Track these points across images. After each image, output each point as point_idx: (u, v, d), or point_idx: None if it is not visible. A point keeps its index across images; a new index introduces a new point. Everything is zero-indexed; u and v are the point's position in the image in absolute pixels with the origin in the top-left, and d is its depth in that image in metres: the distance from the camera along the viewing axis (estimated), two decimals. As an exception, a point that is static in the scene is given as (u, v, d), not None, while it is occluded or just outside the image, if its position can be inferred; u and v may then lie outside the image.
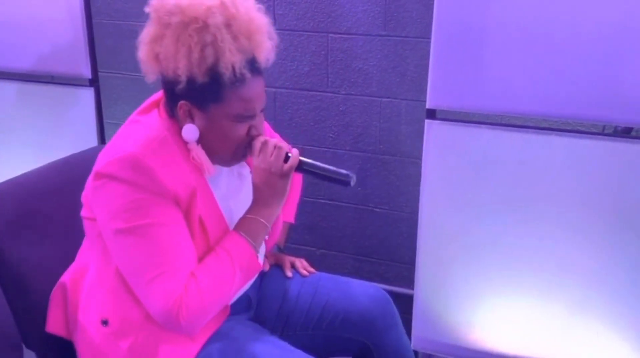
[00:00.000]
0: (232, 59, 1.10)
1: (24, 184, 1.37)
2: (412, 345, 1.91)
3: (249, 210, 1.24)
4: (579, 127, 1.76)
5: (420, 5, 1.94)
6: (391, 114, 2.08)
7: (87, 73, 2.16)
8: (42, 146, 2.26)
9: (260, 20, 1.18)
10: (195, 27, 1.09)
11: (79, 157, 1.56)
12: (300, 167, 1.23)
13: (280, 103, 2.21)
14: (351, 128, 2.15)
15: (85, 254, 1.30)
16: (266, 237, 1.30)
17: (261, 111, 1.22)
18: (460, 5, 1.59)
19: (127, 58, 2.38)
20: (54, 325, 1.30)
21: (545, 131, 1.64)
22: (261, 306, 1.41)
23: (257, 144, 1.20)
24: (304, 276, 1.48)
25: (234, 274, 1.16)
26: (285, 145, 1.23)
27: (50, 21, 2.15)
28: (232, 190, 1.31)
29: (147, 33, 1.16)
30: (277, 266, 1.51)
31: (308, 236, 2.33)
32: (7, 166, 2.19)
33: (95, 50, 2.16)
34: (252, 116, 1.19)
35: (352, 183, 1.21)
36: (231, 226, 1.26)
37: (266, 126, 1.39)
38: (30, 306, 1.30)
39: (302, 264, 1.51)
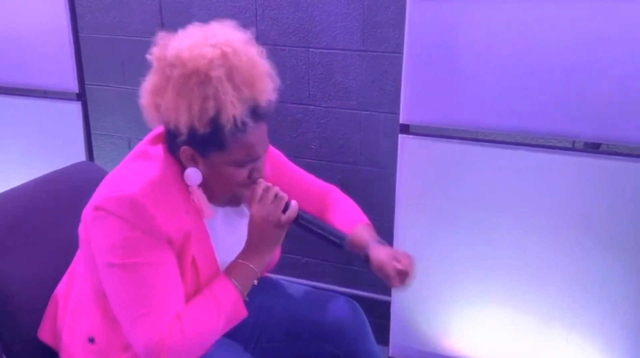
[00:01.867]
0: (233, 111, 1.11)
1: (11, 199, 1.42)
2: (389, 352, 1.97)
3: (241, 255, 1.25)
4: (549, 143, 1.82)
5: (397, 21, 2.00)
6: (370, 127, 2.14)
7: (74, 87, 2.20)
8: (30, 160, 2.31)
9: (263, 67, 1.18)
10: (196, 80, 1.10)
11: (65, 172, 1.60)
12: (297, 220, 1.24)
13: (263, 115, 2.26)
14: (332, 140, 2.20)
15: (76, 270, 1.32)
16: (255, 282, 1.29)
17: (264, 153, 1.23)
18: (431, 22, 1.65)
19: (114, 71, 2.43)
20: (45, 333, 1.33)
21: (516, 146, 1.69)
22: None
23: (259, 190, 1.21)
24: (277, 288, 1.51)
25: (218, 319, 1.17)
26: (285, 196, 1.23)
27: (37, 35, 2.20)
28: (229, 228, 1.33)
29: (149, 82, 1.17)
30: None
31: (292, 245, 2.38)
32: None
33: (83, 64, 2.21)
34: (254, 160, 1.21)
35: (346, 247, 1.22)
36: (224, 266, 1.27)
37: (270, 152, 1.41)
38: (14, 318, 1.34)
39: None
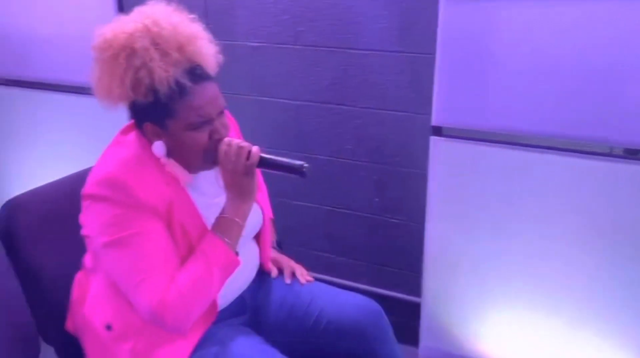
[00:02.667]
0: (164, 74, 1.18)
1: (46, 194, 1.50)
2: (419, 354, 1.96)
3: (222, 210, 1.31)
4: (585, 148, 1.77)
5: (433, 23, 1.98)
6: (406, 128, 2.13)
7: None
8: (76, 154, 2.41)
9: (191, 30, 1.25)
10: (124, 55, 1.19)
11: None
12: (261, 163, 1.30)
13: (302, 115, 2.29)
14: (368, 141, 2.21)
15: (88, 267, 1.41)
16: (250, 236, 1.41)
17: (220, 114, 1.29)
18: (464, 23, 1.64)
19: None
20: (69, 324, 1.42)
21: (549, 150, 1.66)
22: (258, 312, 1.49)
23: (223, 146, 1.27)
24: (302, 284, 1.55)
25: (211, 273, 1.24)
26: (246, 144, 1.28)
27: (85, 38, 2.29)
28: (213, 197, 1.38)
29: (92, 74, 1.26)
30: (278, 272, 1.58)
31: (326, 244, 2.41)
32: (41, 173, 2.34)
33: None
34: (208, 121, 1.25)
35: (307, 172, 1.27)
36: None
37: (233, 125, 1.46)
38: (48, 305, 1.42)
39: (301, 272, 1.58)
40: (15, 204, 1.42)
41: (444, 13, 1.64)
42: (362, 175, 2.26)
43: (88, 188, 1.25)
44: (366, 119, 2.20)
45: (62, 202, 1.51)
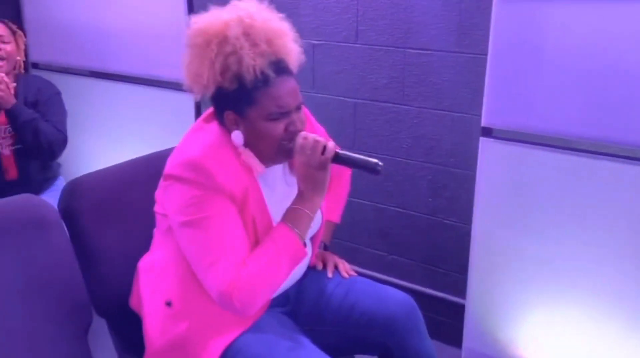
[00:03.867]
0: (252, 63, 1.24)
1: (107, 176, 1.61)
2: (462, 356, 1.96)
3: (294, 202, 1.35)
4: (637, 155, 1.71)
5: (489, 24, 1.97)
6: (462, 129, 2.13)
7: (188, 79, 2.42)
8: (145, 142, 2.55)
9: (280, 26, 1.31)
10: (216, 41, 1.25)
11: (158, 155, 1.76)
12: (336, 159, 1.33)
13: (359, 113, 2.33)
14: (424, 140, 2.22)
15: (157, 244, 1.48)
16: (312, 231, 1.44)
17: (297, 108, 1.33)
18: (517, 24, 1.62)
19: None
20: (133, 301, 1.51)
21: (599, 155, 1.62)
22: (298, 301, 1.53)
23: (298, 140, 1.31)
24: (343, 277, 1.58)
25: (280, 261, 1.30)
26: (322, 139, 1.32)
27: (158, 33, 2.44)
28: (282, 196, 1.43)
29: (184, 59, 1.33)
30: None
31: (380, 242, 2.43)
32: (112, 157, 2.51)
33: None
34: (286, 113, 1.30)
35: (381, 170, 1.30)
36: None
37: (309, 119, 1.50)
38: (103, 280, 1.53)
39: (344, 266, 1.61)
40: (77, 184, 1.53)
41: (497, 13, 1.63)
42: (417, 175, 2.27)
43: (171, 169, 1.31)
44: (422, 119, 2.21)
45: (121, 185, 1.61)
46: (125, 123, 2.71)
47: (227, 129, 1.35)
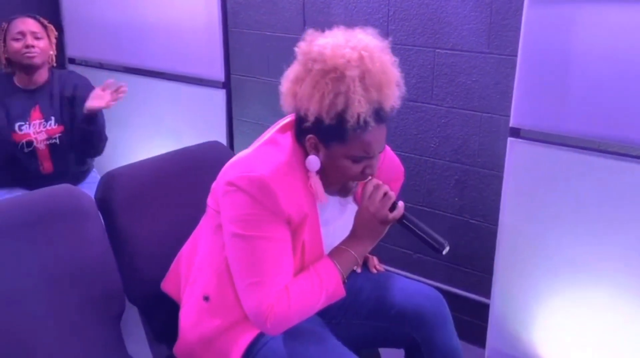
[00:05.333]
0: (359, 109, 1.21)
1: (145, 168, 1.66)
2: (486, 355, 1.97)
3: (345, 242, 1.37)
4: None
5: (519, 25, 1.97)
6: (490, 129, 2.13)
7: (220, 77, 2.47)
8: (179, 137, 2.62)
9: (393, 75, 1.28)
10: (333, 76, 1.22)
11: (194, 149, 1.82)
12: (402, 220, 1.34)
13: (387, 112, 2.35)
14: (451, 140, 2.23)
15: (202, 235, 1.49)
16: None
17: (379, 154, 1.33)
18: (548, 25, 1.63)
19: (260, 64, 2.66)
20: (168, 285, 1.54)
21: (627, 158, 1.62)
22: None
23: (370, 187, 1.33)
24: (372, 273, 1.61)
25: (320, 295, 1.32)
26: (393, 195, 1.34)
27: (193, 31, 2.49)
28: (333, 216, 1.45)
29: (291, 72, 1.30)
30: None
31: (405, 241, 2.45)
32: (143, 150, 2.57)
33: (230, 56, 2.46)
34: (369, 158, 1.30)
35: (444, 252, 1.30)
36: (326, 250, 1.40)
37: (388, 154, 1.52)
38: (136, 269, 1.57)
39: (373, 262, 1.64)
40: (113, 176, 1.58)
41: (528, 15, 1.64)
42: (444, 174, 2.29)
43: (238, 180, 1.28)
44: (451, 119, 2.22)
45: (155, 178, 1.66)
46: (157, 118, 2.77)
47: (303, 149, 1.34)
